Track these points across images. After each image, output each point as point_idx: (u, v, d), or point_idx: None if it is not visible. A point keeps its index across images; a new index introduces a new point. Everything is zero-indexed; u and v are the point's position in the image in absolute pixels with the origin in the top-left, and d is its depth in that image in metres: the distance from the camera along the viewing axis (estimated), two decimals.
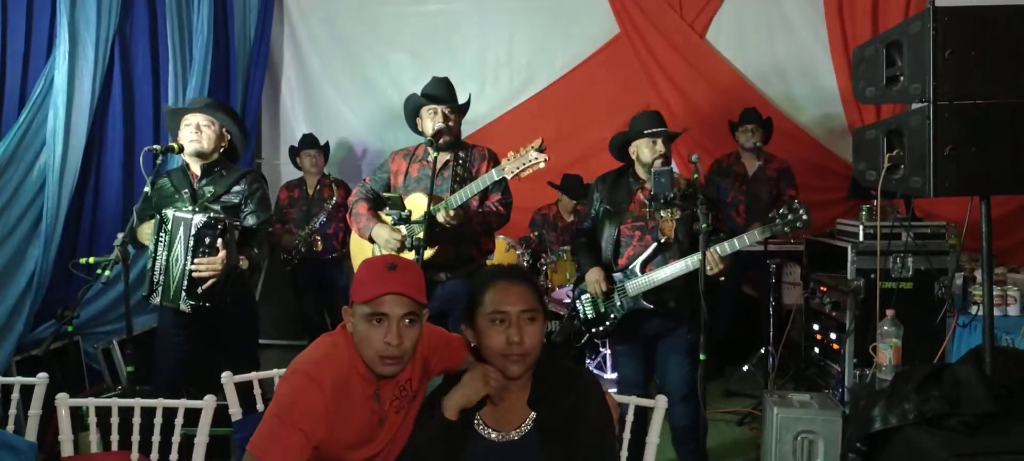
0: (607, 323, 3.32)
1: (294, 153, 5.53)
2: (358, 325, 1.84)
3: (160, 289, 3.16)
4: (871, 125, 2.74)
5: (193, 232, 3.05)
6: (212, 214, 3.13)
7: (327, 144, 5.57)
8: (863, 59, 2.68)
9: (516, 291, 1.83)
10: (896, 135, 2.53)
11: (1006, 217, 5.09)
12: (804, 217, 2.98)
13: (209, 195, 3.29)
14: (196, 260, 3.07)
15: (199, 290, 3.10)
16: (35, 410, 2.52)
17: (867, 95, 2.68)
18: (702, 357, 2.96)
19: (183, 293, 3.09)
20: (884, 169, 2.56)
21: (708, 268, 2.99)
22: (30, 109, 4.14)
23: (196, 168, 3.33)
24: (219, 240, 3.10)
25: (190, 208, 3.21)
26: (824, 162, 5.62)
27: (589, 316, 3.36)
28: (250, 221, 3.33)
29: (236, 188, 3.34)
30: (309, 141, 5.45)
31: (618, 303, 3.27)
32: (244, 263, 3.23)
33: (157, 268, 3.16)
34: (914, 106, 2.42)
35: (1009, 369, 2.51)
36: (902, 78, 2.47)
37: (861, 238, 3.99)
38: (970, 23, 2.33)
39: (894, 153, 2.53)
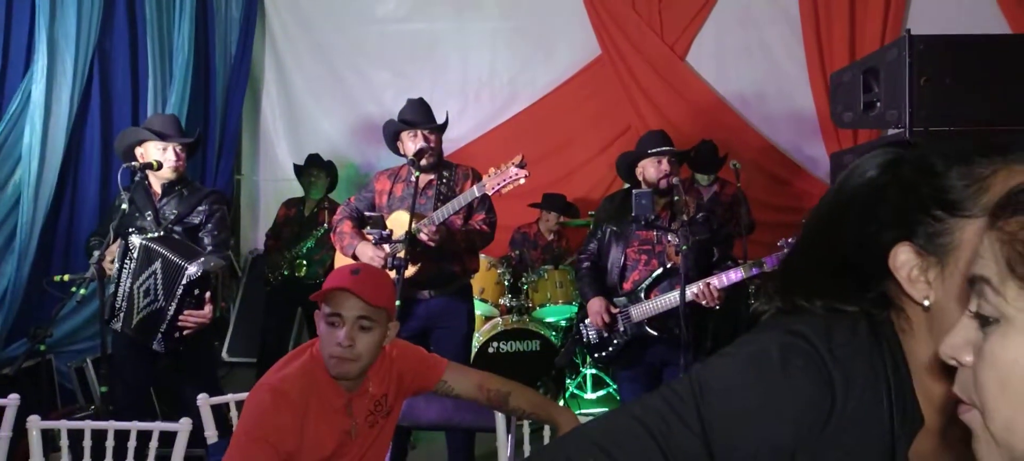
0: (611, 348, 3.27)
1: (298, 171, 5.29)
2: (320, 326, 1.86)
3: (121, 315, 3.13)
4: (846, 150, 2.77)
5: (184, 281, 3.03)
6: (202, 261, 3.08)
7: (332, 165, 5.29)
8: (841, 85, 2.72)
9: None
10: None
11: None
12: None
13: (172, 216, 3.27)
14: (185, 311, 3.06)
15: (177, 335, 3.09)
16: (5, 432, 2.46)
17: (845, 120, 2.72)
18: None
19: (160, 335, 3.07)
20: None
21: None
22: (6, 123, 4.08)
23: (157, 186, 3.30)
24: (207, 293, 3.09)
25: (156, 230, 3.19)
26: (801, 184, 5.68)
27: (593, 341, 3.33)
28: (206, 240, 3.31)
29: (199, 208, 3.32)
30: (311, 160, 5.22)
31: (622, 328, 3.22)
32: (223, 306, 3.23)
33: (120, 294, 3.13)
34: (890, 132, 2.45)
35: None
36: (879, 104, 2.51)
37: None
38: (945, 51, 2.37)
39: None
